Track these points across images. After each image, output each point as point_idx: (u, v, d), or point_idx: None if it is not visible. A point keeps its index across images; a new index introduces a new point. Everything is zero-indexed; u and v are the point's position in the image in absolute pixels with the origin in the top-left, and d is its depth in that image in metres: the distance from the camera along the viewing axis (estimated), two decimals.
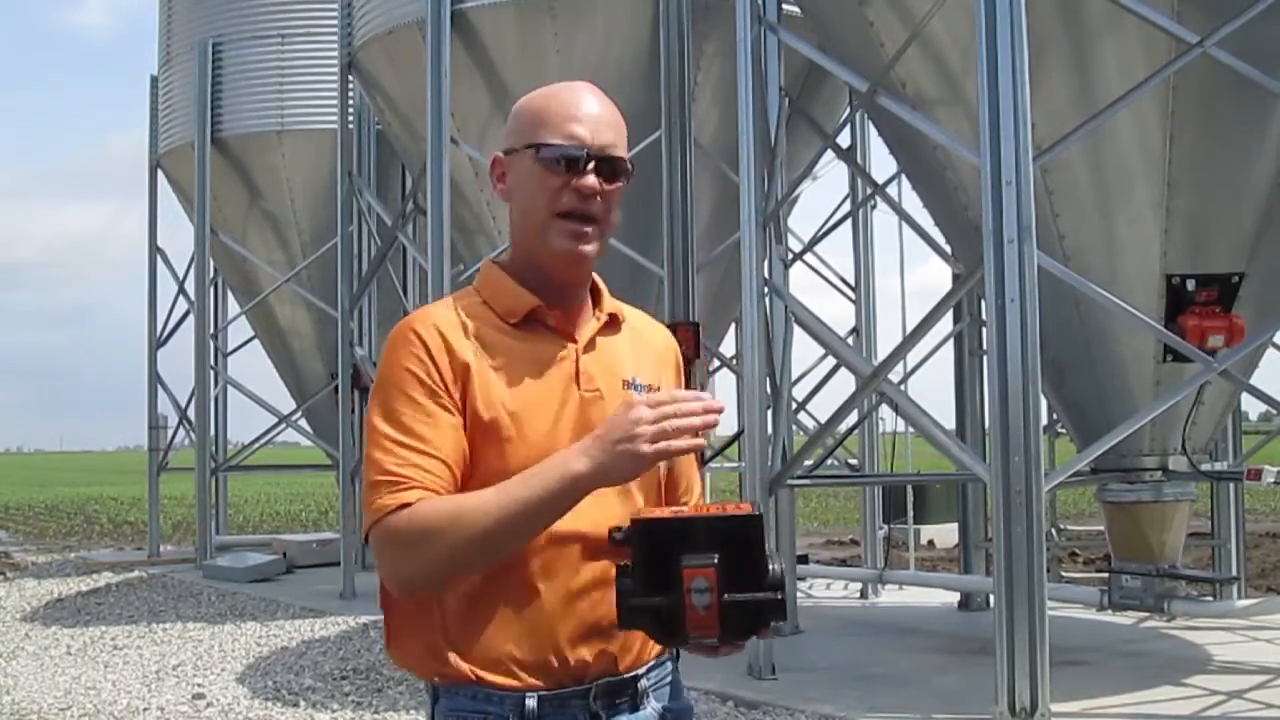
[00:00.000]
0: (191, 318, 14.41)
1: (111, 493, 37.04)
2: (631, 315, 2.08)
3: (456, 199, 9.09)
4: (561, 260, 1.92)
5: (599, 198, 1.91)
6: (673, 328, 5.14)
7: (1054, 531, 9.84)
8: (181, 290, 15.07)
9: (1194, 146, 6.45)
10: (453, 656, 1.87)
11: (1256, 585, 11.51)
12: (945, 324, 9.25)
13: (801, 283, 20.17)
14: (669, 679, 2.02)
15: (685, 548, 1.69)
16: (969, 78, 6.23)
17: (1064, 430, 8.35)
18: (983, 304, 6.69)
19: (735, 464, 11.09)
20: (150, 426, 15.25)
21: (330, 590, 11.30)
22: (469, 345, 1.89)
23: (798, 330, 7.66)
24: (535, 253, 1.94)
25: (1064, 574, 11.32)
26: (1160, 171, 6.48)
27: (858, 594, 10.60)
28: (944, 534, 14.59)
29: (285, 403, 14.73)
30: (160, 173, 14.77)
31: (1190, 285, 6.64)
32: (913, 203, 11.95)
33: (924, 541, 14.76)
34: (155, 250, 15.28)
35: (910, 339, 7.40)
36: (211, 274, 14.35)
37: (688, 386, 2.26)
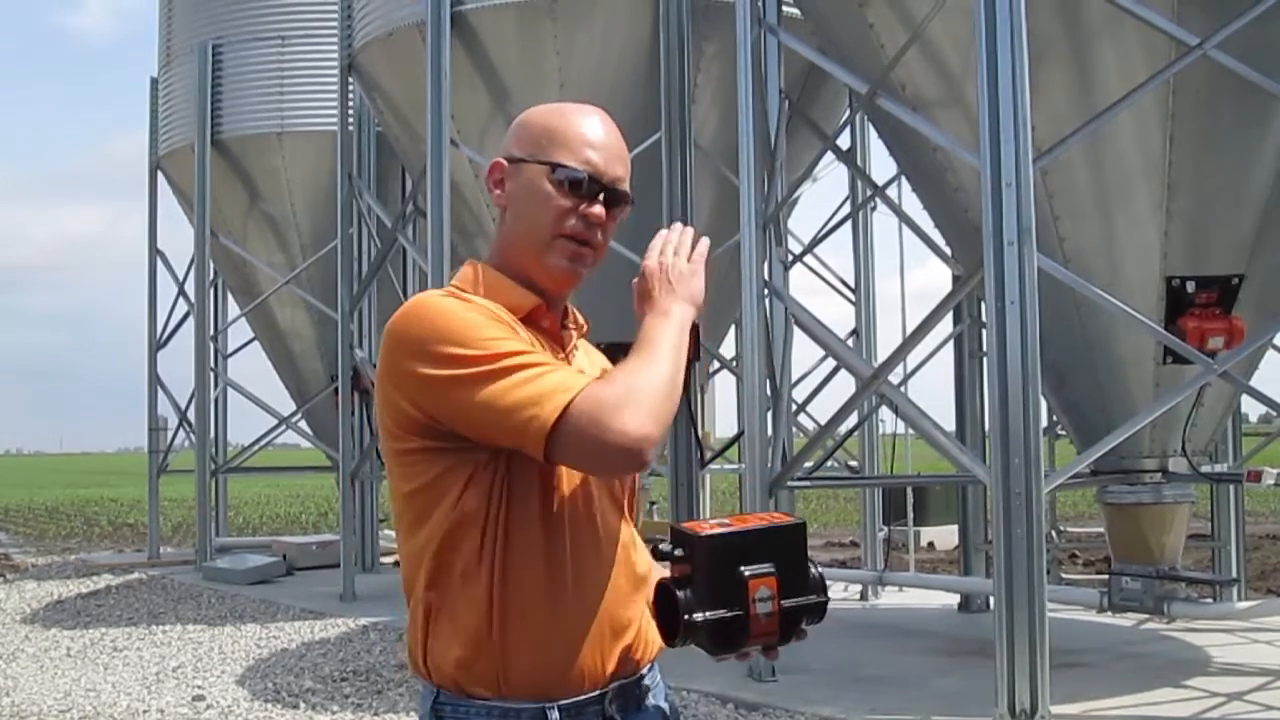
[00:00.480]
0: (191, 319, 14.40)
1: (111, 494, 37.05)
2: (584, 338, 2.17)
3: (456, 201, 9.09)
4: (555, 276, 1.96)
5: (601, 227, 1.95)
6: None
7: (1054, 533, 9.84)
8: (181, 292, 15.07)
9: (1194, 148, 6.45)
10: (482, 665, 1.85)
11: (1256, 587, 11.51)
12: (945, 326, 9.25)
13: (801, 284, 20.14)
14: (660, 678, 2.05)
15: (743, 559, 1.74)
16: (969, 79, 6.23)
17: (1064, 432, 8.35)
18: (983, 306, 6.69)
19: (735, 466, 11.09)
20: (150, 428, 15.25)
21: (330, 592, 11.29)
22: (506, 316, 1.90)
23: (798, 332, 7.66)
24: (529, 264, 1.97)
25: (1064, 576, 11.33)
26: (1160, 173, 6.48)
27: (858, 596, 10.59)
28: (944, 536, 14.59)
29: (285, 404, 14.74)
30: (160, 174, 14.76)
31: (1190, 287, 6.64)
32: (912, 205, 11.89)
33: (924, 543, 14.75)
34: (155, 252, 15.28)
35: (910, 341, 7.40)
36: (211, 276, 14.35)
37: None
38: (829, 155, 9.65)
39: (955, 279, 8.26)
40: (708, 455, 11.29)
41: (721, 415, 14.77)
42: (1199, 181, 6.52)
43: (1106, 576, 7.49)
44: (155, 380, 15.21)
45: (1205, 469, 7.54)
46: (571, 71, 8.57)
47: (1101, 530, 7.93)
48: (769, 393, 7.47)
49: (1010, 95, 5.69)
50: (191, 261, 14.21)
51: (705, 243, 1.98)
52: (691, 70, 8.53)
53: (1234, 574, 9.24)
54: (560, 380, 1.77)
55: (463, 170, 9.13)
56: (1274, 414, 7.64)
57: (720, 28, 8.39)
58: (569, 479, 1.90)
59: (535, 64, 8.65)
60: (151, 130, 14.65)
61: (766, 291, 7.42)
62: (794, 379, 9.04)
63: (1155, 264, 6.66)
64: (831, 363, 10.26)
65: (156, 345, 15.18)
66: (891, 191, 9.88)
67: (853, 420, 9.97)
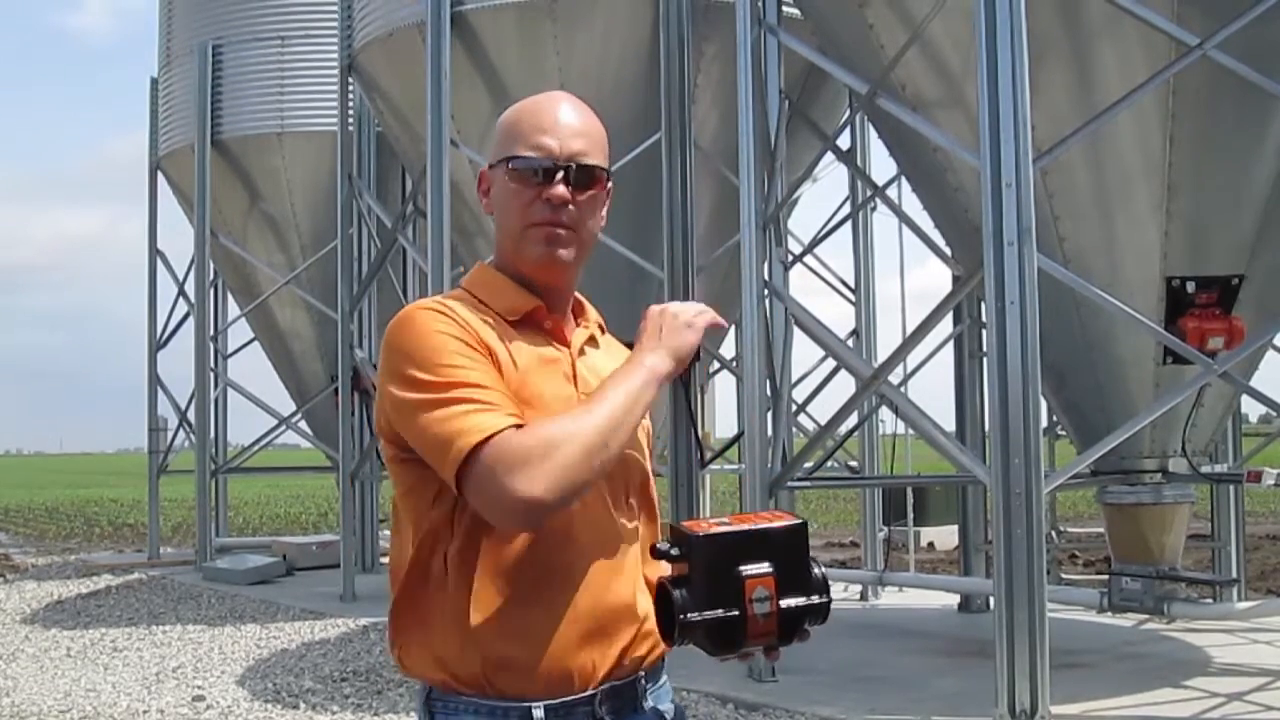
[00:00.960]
0: (191, 320, 14.39)
1: (111, 495, 37.05)
2: (606, 334, 2.14)
3: (456, 201, 9.09)
4: (539, 266, 1.95)
5: (571, 206, 1.93)
6: None
7: (1054, 533, 9.84)
8: (181, 292, 15.07)
9: (1194, 149, 6.45)
10: (461, 665, 1.86)
11: (1256, 587, 11.51)
12: (945, 326, 9.26)
13: (801, 285, 20.14)
14: (665, 681, 2.03)
15: (741, 558, 1.73)
16: (969, 80, 6.23)
17: (1064, 432, 8.35)
18: (983, 306, 6.69)
19: (735, 466, 11.09)
20: (150, 428, 15.25)
21: (330, 592, 11.29)
22: (489, 331, 1.90)
23: (798, 332, 7.66)
24: (515, 263, 1.98)
25: (1064, 576, 11.33)
26: (1160, 173, 6.48)
27: (858, 596, 10.60)
28: (944, 536, 14.59)
29: (285, 405, 14.74)
30: (160, 175, 14.76)
31: (1190, 287, 6.64)
32: (912, 205, 11.90)
33: (924, 543, 14.76)
34: (155, 252, 15.28)
35: (910, 341, 7.40)
36: (211, 276, 14.35)
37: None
38: (829, 155, 9.64)
39: (955, 279, 8.26)
40: (708, 455, 11.31)
41: (721, 415, 14.78)
42: (1199, 182, 6.52)
43: (1106, 577, 7.49)
44: (155, 380, 15.21)
45: (1205, 469, 7.54)
46: (571, 72, 8.58)
47: (1101, 530, 7.93)
48: (769, 393, 7.47)
49: (1010, 95, 5.68)
50: (191, 262, 14.21)
51: (713, 314, 1.97)
52: (691, 70, 8.53)
53: (1234, 574, 9.24)
54: (479, 422, 1.75)
55: (463, 170, 9.13)
56: (1274, 414, 7.64)
57: (720, 28, 8.39)
58: None
59: (535, 64, 8.65)
60: (151, 130, 14.65)
61: (766, 292, 7.42)
62: (794, 379, 9.04)
63: (1155, 264, 6.66)
64: (831, 363, 10.27)
65: (156, 345, 15.18)
66: (891, 192, 9.89)
67: (853, 420, 9.97)
